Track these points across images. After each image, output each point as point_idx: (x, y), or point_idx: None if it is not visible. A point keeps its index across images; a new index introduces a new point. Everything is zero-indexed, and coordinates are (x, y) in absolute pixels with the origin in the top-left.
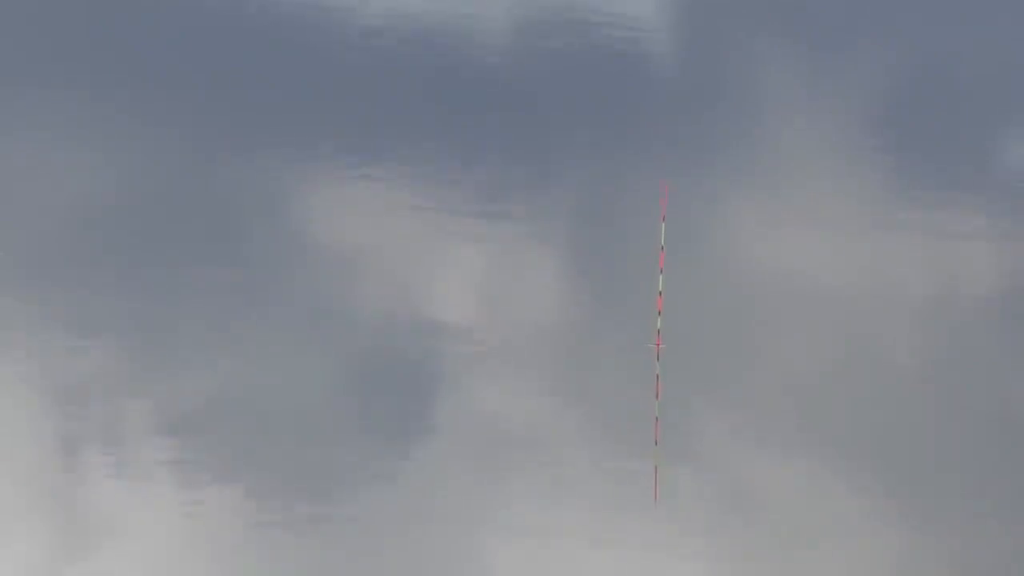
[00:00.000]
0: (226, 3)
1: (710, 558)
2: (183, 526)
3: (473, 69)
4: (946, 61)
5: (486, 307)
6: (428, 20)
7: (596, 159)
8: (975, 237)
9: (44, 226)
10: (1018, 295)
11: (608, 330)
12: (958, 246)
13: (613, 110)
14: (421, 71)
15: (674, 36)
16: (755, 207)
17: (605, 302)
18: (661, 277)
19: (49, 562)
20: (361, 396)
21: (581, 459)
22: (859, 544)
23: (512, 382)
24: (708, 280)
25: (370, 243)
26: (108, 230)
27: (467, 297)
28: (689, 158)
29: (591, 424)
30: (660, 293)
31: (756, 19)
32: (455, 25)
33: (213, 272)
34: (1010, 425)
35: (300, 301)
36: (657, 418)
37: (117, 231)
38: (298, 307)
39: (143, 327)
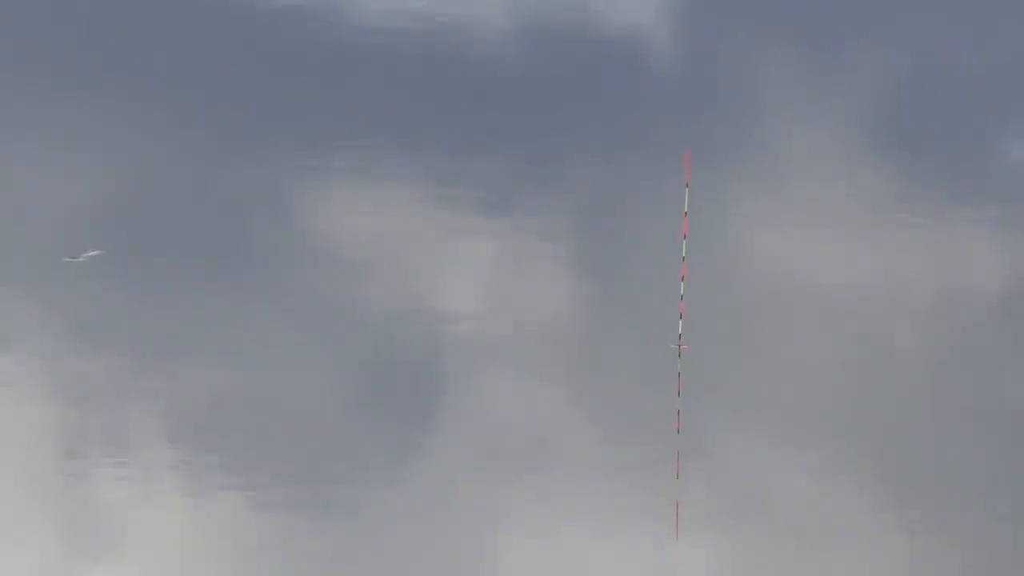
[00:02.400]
0: (230, 2)
1: (722, 559)
2: (189, 527)
3: (477, 63)
4: (952, 58)
5: (495, 303)
6: (431, 16)
7: (603, 153)
8: (987, 234)
9: (49, 226)
10: None
11: (621, 327)
12: (968, 244)
13: (618, 105)
14: (425, 67)
15: (677, 32)
16: (761, 208)
17: (616, 299)
18: (685, 242)
19: (56, 566)
20: (368, 395)
21: (593, 461)
22: (883, 554)
23: (522, 380)
24: (713, 283)
25: (377, 241)
26: (112, 230)
27: (475, 293)
28: (694, 153)
29: (605, 424)
30: (684, 258)
31: (760, 17)
32: (458, 20)
33: (217, 271)
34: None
35: (305, 299)
36: (679, 453)
37: (121, 231)
38: (303, 305)
39: (148, 327)
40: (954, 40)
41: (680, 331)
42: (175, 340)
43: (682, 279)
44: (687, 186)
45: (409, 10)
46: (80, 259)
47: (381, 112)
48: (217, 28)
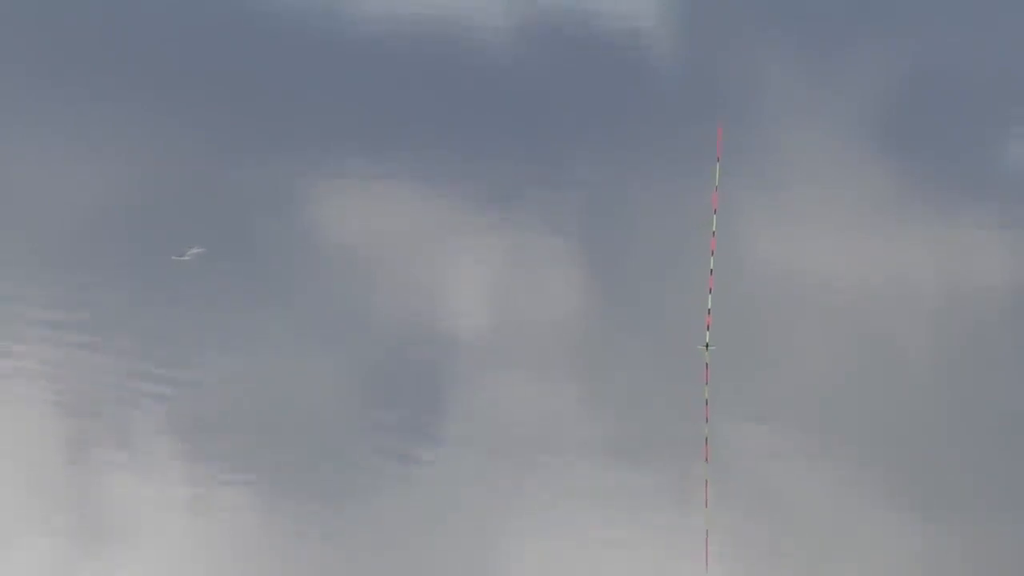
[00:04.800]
0: (238, 6)
1: (732, 559)
2: (194, 527)
3: (482, 65)
4: (960, 57)
5: (505, 305)
6: (436, 18)
7: (609, 152)
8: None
9: (56, 225)
10: None
11: (630, 328)
12: (979, 244)
13: (622, 104)
14: (430, 69)
15: (680, 32)
16: (768, 210)
17: (624, 299)
18: (715, 217)
19: (61, 562)
20: (375, 396)
21: (603, 465)
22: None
23: (534, 383)
24: (718, 285)
25: (386, 242)
26: (121, 229)
27: (483, 295)
28: (698, 151)
29: (618, 427)
30: (713, 233)
31: (764, 17)
32: (462, 21)
33: (223, 271)
34: None
35: (311, 300)
36: (707, 480)
37: (129, 230)
38: (309, 306)
39: (154, 327)
40: (970, 36)
41: (709, 306)
42: (182, 341)
43: (712, 254)
44: (718, 160)
45: (415, 10)
46: (186, 257)
47: (390, 112)
48: (222, 30)
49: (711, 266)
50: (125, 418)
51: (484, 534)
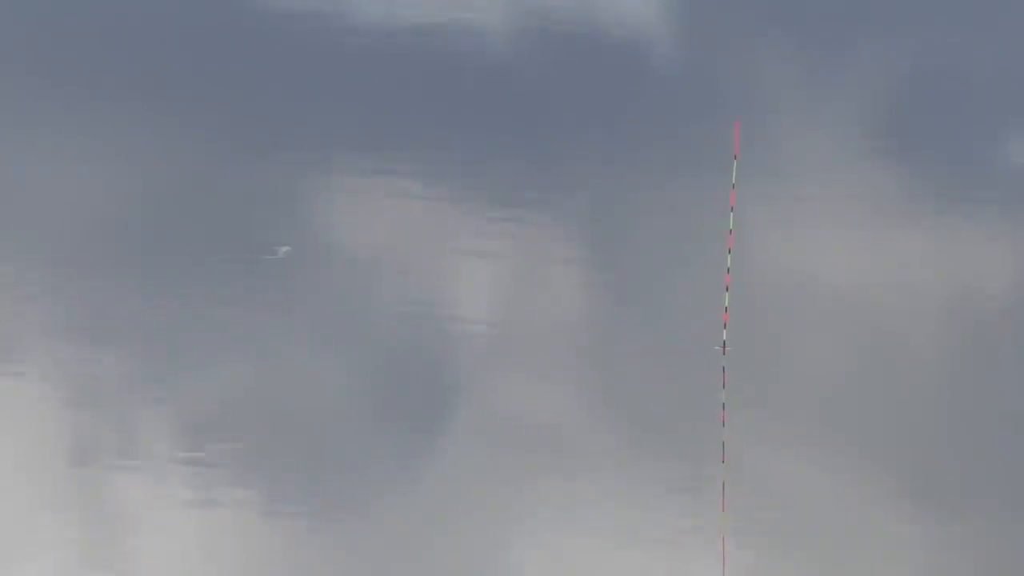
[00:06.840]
0: (238, 5)
1: (749, 563)
2: (199, 528)
3: (484, 63)
4: (964, 56)
5: (509, 304)
6: (438, 17)
7: (620, 150)
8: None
9: (59, 228)
10: None
11: (645, 328)
12: (982, 244)
13: (628, 102)
14: (432, 66)
15: (684, 30)
16: (771, 211)
17: (638, 299)
18: (732, 215)
19: (65, 567)
20: (380, 396)
21: (616, 468)
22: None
23: (540, 383)
24: (735, 284)
25: (388, 242)
26: (123, 231)
27: (491, 295)
28: (706, 149)
29: (631, 429)
30: (731, 231)
31: (766, 17)
32: (463, 19)
33: (227, 272)
34: None
35: (316, 300)
36: (723, 484)
37: (132, 232)
38: (314, 306)
39: (158, 328)
40: (974, 35)
41: (726, 304)
42: (184, 342)
43: (729, 251)
44: (735, 158)
45: (416, 9)
46: (279, 255)
47: (391, 113)
48: (224, 30)
49: (728, 264)
50: (128, 421)
51: (493, 537)
